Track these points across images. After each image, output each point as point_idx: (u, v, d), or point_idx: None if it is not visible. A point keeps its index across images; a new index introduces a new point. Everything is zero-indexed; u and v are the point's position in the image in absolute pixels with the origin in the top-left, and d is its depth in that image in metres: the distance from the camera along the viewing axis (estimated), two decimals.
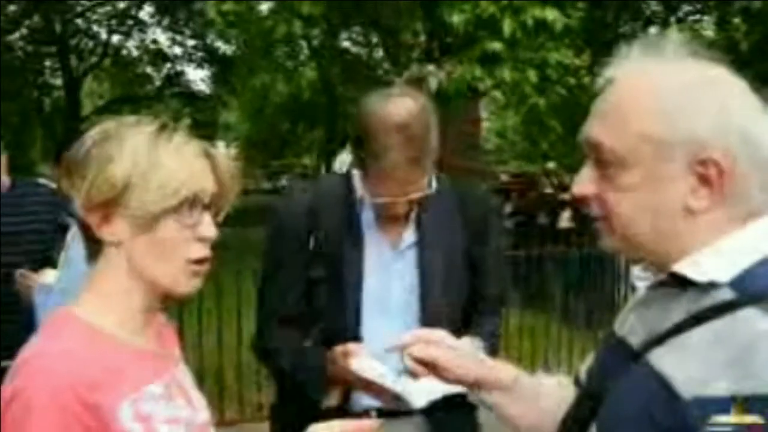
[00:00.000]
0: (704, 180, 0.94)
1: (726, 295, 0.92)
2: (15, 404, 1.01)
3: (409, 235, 1.84)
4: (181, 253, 1.13)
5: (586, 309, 7.30)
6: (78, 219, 1.14)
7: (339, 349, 1.72)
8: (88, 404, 1.02)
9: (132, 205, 1.08)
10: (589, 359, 1.29)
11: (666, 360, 0.93)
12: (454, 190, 1.92)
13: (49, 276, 2.60)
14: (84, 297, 1.14)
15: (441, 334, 1.30)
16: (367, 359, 1.66)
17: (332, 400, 1.76)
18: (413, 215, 1.83)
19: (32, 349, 1.07)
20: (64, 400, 1.00)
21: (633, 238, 1.00)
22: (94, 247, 1.14)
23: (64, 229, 2.86)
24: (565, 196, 9.78)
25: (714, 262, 0.95)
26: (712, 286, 0.94)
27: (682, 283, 0.97)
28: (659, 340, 0.96)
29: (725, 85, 0.98)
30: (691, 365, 0.89)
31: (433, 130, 1.71)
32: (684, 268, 0.96)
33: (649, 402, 0.92)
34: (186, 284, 1.15)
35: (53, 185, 3.00)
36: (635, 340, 1.03)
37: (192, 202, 1.11)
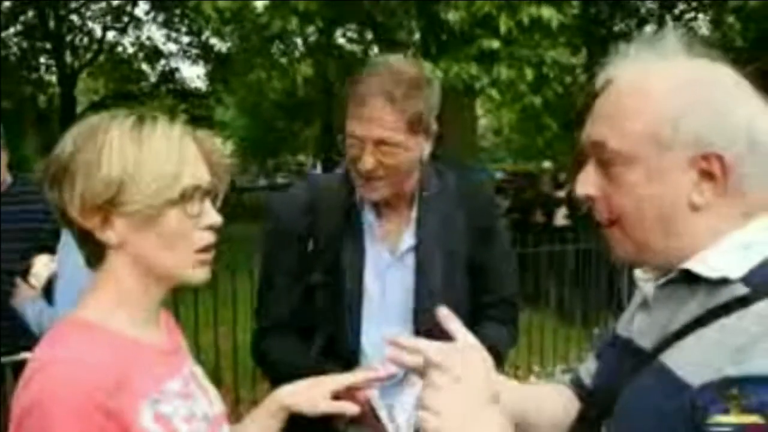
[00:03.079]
0: (707, 175, 0.95)
1: (739, 290, 0.92)
2: (33, 416, 0.95)
3: (409, 238, 1.75)
4: (186, 243, 1.10)
5: (582, 306, 7.32)
6: (71, 227, 1.09)
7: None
8: (108, 410, 0.98)
9: (132, 200, 1.05)
10: (589, 361, 1.28)
11: (676, 356, 0.94)
12: (458, 188, 1.82)
13: (40, 261, 2.60)
14: (91, 300, 1.10)
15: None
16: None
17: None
18: (413, 216, 1.75)
19: (44, 357, 1.01)
20: (85, 409, 0.96)
21: (641, 239, 1.00)
22: (95, 251, 1.10)
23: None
24: (561, 194, 9.79)
25: (724, 258, 0.95)
26: (723, 282, 0.94)
27: (691, 280, 0.97)
28: (671, 340, 0.96)
29: (725, 82, 0.99)
30: (699, 356, 0.90)
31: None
32: (694, 265, 0.96)
33: (662, 399, 0.92)
34: (196, 273, 1.13)
35: None
36: (645, 342, 1.03)
37: (193, 191, 1.09)
